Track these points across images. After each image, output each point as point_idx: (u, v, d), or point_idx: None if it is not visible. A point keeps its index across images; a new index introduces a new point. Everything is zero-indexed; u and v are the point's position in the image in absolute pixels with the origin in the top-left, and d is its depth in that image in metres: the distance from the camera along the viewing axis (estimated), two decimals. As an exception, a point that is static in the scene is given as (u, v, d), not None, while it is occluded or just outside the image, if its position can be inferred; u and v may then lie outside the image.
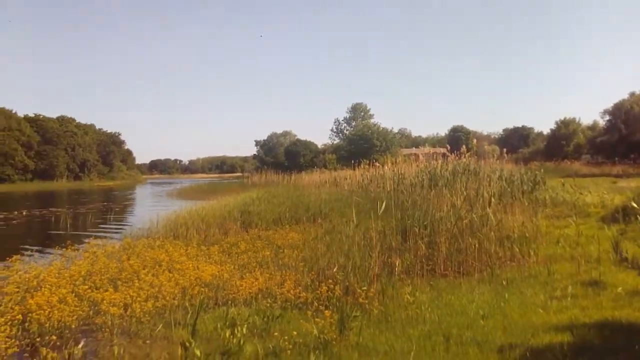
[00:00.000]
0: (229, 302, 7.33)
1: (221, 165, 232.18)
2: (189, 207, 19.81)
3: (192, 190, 49.19)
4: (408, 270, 8.45)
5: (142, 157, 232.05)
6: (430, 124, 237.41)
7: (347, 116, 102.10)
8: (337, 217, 13.38)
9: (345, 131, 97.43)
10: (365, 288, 6.59)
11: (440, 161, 16.77)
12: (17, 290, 7.30)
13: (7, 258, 10.05)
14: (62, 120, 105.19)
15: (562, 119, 76.13)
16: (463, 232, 9.55)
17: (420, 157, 17.26)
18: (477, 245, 9.16)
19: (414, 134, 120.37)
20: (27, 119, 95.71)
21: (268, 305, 6.69)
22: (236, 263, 9.35)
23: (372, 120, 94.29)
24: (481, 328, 5.75)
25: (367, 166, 24.51)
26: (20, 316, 6.14)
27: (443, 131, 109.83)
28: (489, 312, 6.34)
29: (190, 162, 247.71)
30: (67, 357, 5.41)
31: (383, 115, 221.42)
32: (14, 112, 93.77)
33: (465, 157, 14.48)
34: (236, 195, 26.30)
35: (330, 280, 7.02)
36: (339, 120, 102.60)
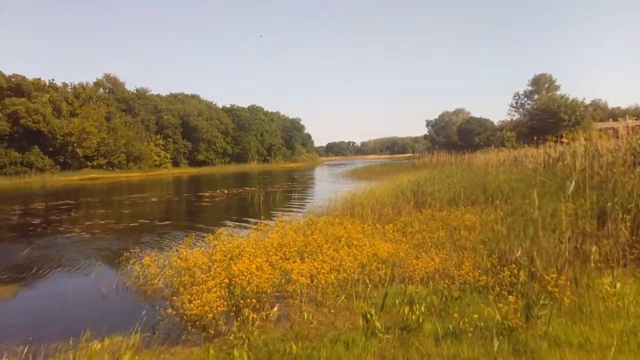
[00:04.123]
0: (406, 279, 7.46)
1: (392, 146, 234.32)
2: (363, 187, 20.53)
3: (365, 171, 50.66)
4: (606, 259, 7.48)
5: (319, 140, 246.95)
6: (633, 93, 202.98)
7: (529, 89, 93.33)
8: (518, 199, 12.45)
9: (526, 106, 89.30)
10: (554, 275, 6.05)
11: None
12: (224, 258, 8.48)
13: (215, 229, 11.78)
14: (252, 109, 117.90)
15: None
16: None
17: (621, 130, 14.83)
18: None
19: (611, 105, 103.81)
20: (224, 109, 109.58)
21: (445, 286, 6.61)
22: (411, 242, 9.42)
23: (558, 92, 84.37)
24: None
25: (553, 143, 22.19)
26: (227, 280, 7.11)
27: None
28: None
29: (363, 143, 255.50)
30: (264, 318, 6.16)
31: (572, 86, 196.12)
32: (214, 103, 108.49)
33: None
34: (407, 175, 26.31)
35: (513, 265, 6.62)
36: (519, 95, 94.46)
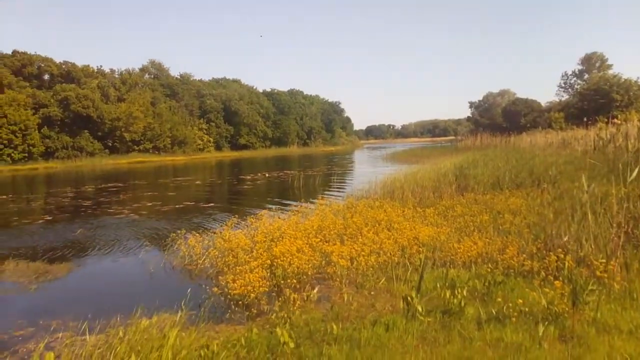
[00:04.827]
0: (447, 263, 7.38)
1: (433, 129, 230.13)
2: (403, 170, 20.33)
3: (405, 154, 50.11)
4: (661, 245, 7.13)
5: (359, 123, 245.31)
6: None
7: (578, 69, 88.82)
8: (566, 182, 12.01)
9: (576, 86, 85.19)
10: (603, 260, 5.83)
11: None
12: (265, 239, 8.63)
13: (256, 212, 11.99)
14: (292, 93, 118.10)
15: None
16: None
17: (681, 110, 14.00)
18: None
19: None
20: (264, 93, 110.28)
21: (489, 270, 6.49)
22: (452, 226, 9.27)
23: (610, 72, 79.79)
24: None
25: (604, 124, 21.20)
26: (268, 261, 7.27)
27: None
28: None
29: (403, 126, 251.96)
30: (305, 299, 6.25)
31: (626, 65, 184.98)
32: (254, 87, 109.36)
33: None
34: (449, 158, 25.82)
35: (560, 250, 6.42)
36: (567, 74, 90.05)
